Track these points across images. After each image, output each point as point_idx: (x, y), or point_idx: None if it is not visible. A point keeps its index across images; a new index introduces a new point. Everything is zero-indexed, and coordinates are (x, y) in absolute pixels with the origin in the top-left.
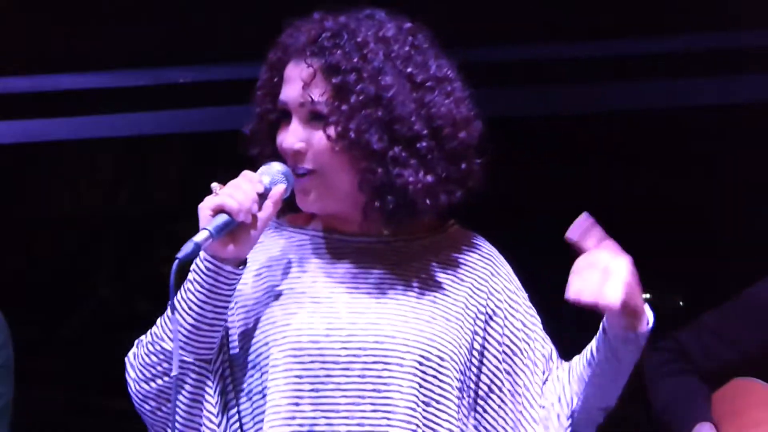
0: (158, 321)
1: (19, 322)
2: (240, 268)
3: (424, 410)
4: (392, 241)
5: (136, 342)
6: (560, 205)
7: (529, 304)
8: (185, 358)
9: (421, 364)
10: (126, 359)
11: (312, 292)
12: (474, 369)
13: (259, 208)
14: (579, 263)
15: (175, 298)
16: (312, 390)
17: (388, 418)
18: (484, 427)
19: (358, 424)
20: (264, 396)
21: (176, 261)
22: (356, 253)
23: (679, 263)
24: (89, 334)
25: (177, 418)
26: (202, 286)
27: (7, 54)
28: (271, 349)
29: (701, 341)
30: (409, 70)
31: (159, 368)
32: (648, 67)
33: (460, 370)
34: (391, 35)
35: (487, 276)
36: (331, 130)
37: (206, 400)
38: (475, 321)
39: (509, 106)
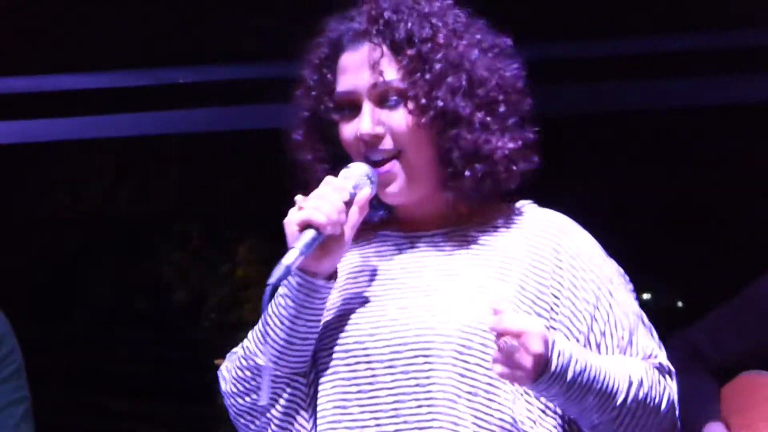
0: (250, 335)
1: (19, 322)
2: (331, 280)
3: (469, 401)
4: (448, 231)
5: (228, 354)
6: (560, 205)
7: (612, 281)
8: (278, 372)
9: (461, 353)
10: (218, 372)
11: (367, 292)
12: None
13: (346, 215)
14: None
15: (266, 314)
16: (359, 392)
17: (432, 413)
18: None
19: (404, 422)
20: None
21: (268, 287)
22: (411, 248)
23: (679, 263)
24: (88, 334)
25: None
26: (294, 301)
27: (7, 54)
28: (321, 353)
29: (710, 336)
30: (477, 36)
31: (253, 383)
32: (648, 67)
33: None
34: (447, 4)
35: (550, 256)
36: (413, 105)
37: (300, 414)
38: (534, 302)
39: None
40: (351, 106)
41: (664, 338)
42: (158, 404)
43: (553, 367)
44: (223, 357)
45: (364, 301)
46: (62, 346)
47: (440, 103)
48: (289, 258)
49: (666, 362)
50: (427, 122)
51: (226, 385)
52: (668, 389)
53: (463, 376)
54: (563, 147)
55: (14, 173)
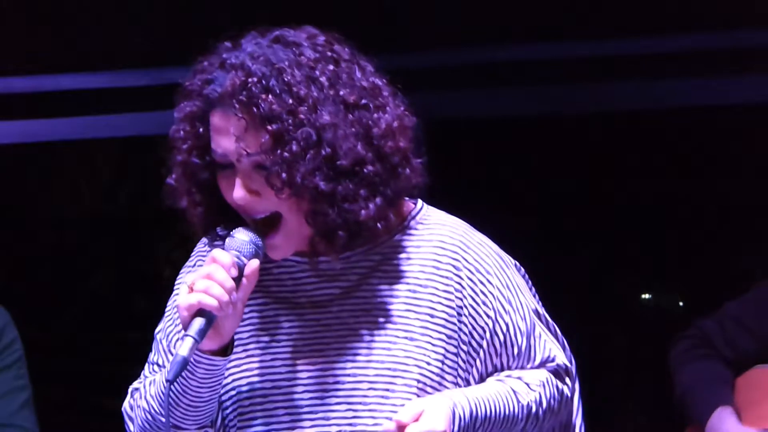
0: (153, 391)
1: (18, 321)
2: (228, 350)
3: None
4: (350, 255)
5: (130, 390)
6: (560, 205)
7: (508, 287)
8: (189, 429)
9: (386, 398)
10: (123, 411)
11: (272, 329)
12: (467, 367)
13: (237, 290)
14: None
15: (163, 380)
16: None
17: None
18: None
19: None
20: None
21: (168, 384)
22: (316, 278)
23: (679, 263)
24: (88, 334)
25: None
26: (194, 374)
27: (7, 54)
28: (238, 396)
29: (723, 329)
30: (341, 92)
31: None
32: (648, 67)
33: (433, 385)
34: (312, 58)
35: (451, 275)
36: (276, 180)
37: None
38: (444, 326)
39: (510, 106)
40: (227, 165)
41: (664, 339)
42: None
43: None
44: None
45: (276, 340)
46: (62, 346)
47: (299, 181)
48: (184, 349)
49: (562, 360)
50: (290, 195)
51: (134, 426)
52: (565, 390)
53: (390, 419)
54: (563, 147)
55: (14, 173)
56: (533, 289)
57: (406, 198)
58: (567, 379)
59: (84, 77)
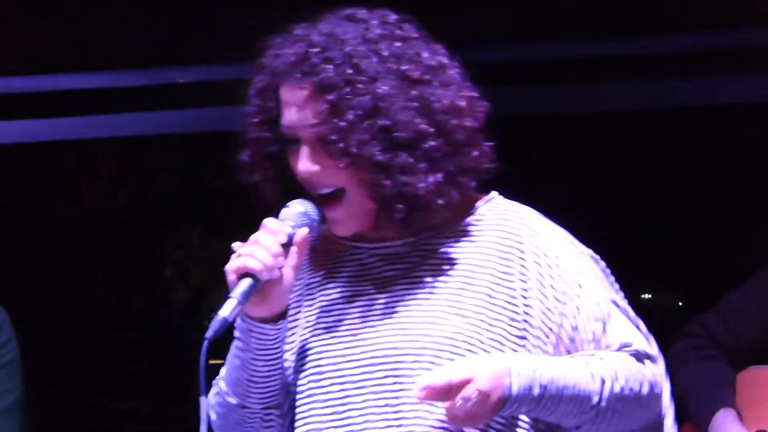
0: (222, 372)
1: (18, 321)
2: (280, 321)
3: (439, 421)
4: (416, 241)
5: (213, 382)
6: (559, 205)
7: (580, 273)
8: (253, 407)
9: (431, 371)
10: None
11: (336, 310)
12: (536, 352)
13: (285, 257)
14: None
15: (230, 354)
16: (333, 413)
17: None
18: None
19: None
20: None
21: (205, 341)
22: (380, 261)
23: (679, 263)
24: (88, 334)
25: None
26: (247, 345)
27: (7, 54)
28: (297, 375)
29: (724, 320)
30: (403, 67)
31: (230, 419)
32: (648, 67)
33: None
34: (379, 34)
35: (515, 258)
36: (334, 149)
37: None
38: (505, 308)
39: (509, 106)
40: (295, 139)
41: (664, 339)
42: (158, 404)
43: (515, 391)
44: (223, 357)
45: (337, 319)
46: (62, 346)
47: (354, 150)
48: (226, 309)
49: (643, 347)
50: (348, 166)
51: (213, 417)
52: (647, 374)
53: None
54: (563, 147)
55: (14, 173)
56: (615, 283)
57: (481, 192)
58: (650, 363)
59: (84, 77)
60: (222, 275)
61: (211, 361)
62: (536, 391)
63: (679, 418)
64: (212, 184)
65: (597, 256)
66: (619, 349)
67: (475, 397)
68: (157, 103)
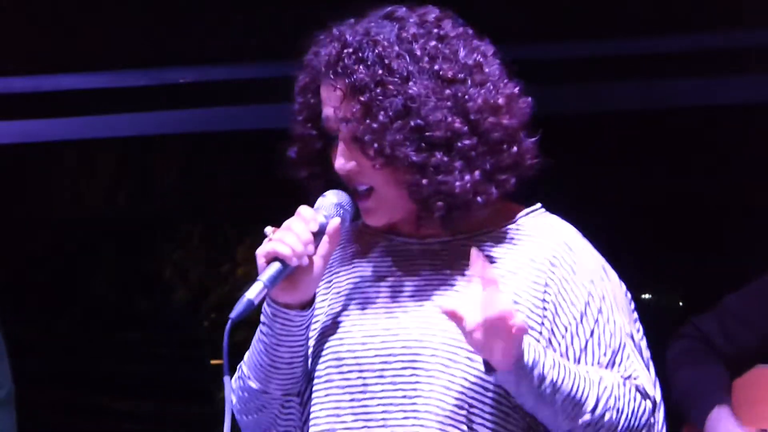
0: (245, 356)
1: (18, 322)
2: (306, 309)
3: (455, 413)
4: (451, 240)
5: (238, 366)
6: (558, 205)
7: (604, 299)
8: (274, 393)
9: (447, 366)
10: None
11: (361, 298)
12: None
13: (315, 246)
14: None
15: (254, 339)
16: (352, 400)
17: (417, 425)
18: None
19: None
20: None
21: (229, 321)
22: (412, 255)
23: (679, 263)
24: (88, 334)
25: None
26: (272, 330)
27: (7, 54)
28: (316, 360)
29: (721, 324)
30: (436, 67)
31: (251, 404)
32: (648, 67)
33: None
34: (414, 33)
35: (545, 268)
36: (368, 149)
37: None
38: (528, 316)
39: None
40: (335, 135)
41: (664, 339)
42: (158, 404)
43: (525, 358)
44: (222, 357)
45: (360, 307)
46: (62, 346)
47: (388, 151)
48: (253, 292)
49: (647, 388)
50: (384, 166)
51: (235, 401)
52: (644, 407)
53: (448, 389)
54: (563, 147)
55: (14, 173)
56: (637, 321)
57: (525, 205)
58: (648, 402)
59: (84, 77)
60: (221, 276)
61: (212, 362)
62: (542, 369)
63: (677, 420)
64: (212, 184)
65: (625, 288)
66: (624, 380)
67: (510, 321)
68: (157, 103)
